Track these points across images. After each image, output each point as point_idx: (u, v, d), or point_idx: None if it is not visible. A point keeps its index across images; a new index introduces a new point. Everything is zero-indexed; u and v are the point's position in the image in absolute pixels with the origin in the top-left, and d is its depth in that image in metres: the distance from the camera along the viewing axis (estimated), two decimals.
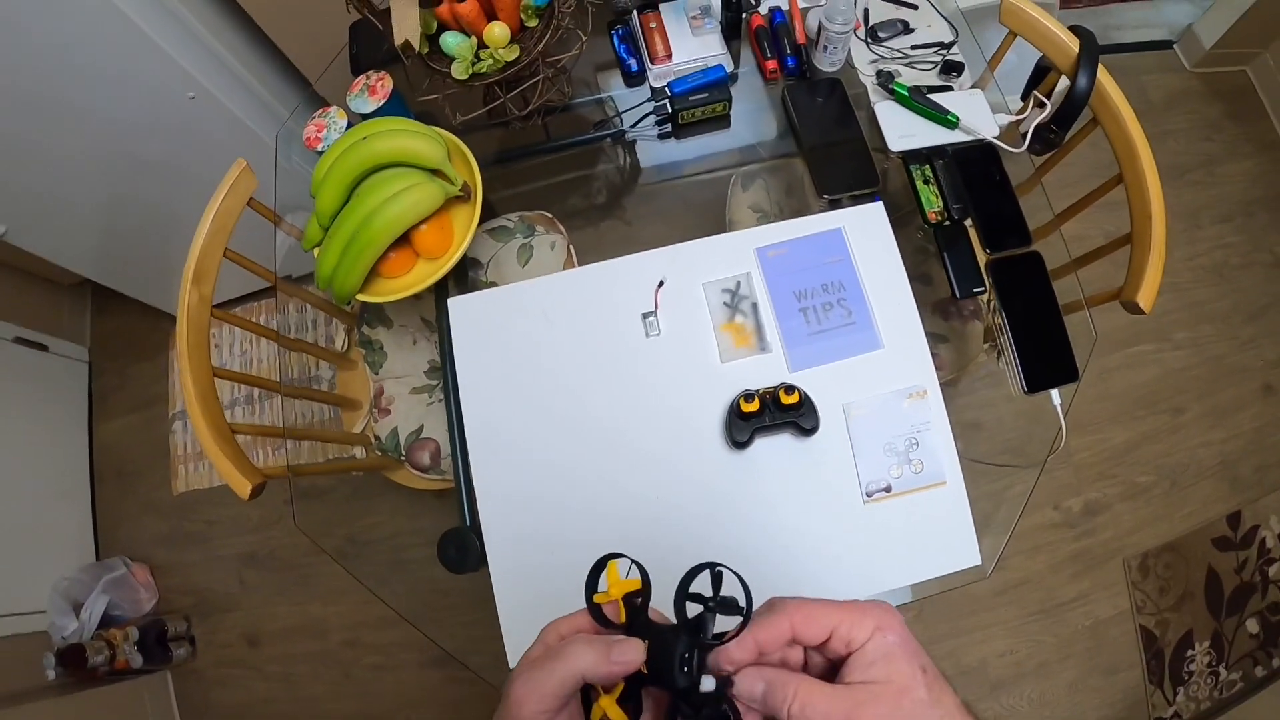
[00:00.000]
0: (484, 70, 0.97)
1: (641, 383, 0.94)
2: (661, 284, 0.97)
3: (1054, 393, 0.97)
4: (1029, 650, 1.66)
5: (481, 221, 1.29)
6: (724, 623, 0.41)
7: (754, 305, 0.94)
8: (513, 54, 0.96)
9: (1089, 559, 1.71)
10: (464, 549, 0.97)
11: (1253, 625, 1.69)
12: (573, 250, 1.26)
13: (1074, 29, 1.05)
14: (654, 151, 1.24)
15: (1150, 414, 1.78)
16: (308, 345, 1.29)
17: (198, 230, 1.16)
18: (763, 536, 0.89)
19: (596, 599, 0.44)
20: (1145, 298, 0.98)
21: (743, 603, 0.41)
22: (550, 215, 1.29)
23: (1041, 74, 1.13)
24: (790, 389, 0.86)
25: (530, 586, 0.89)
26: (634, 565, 0.45)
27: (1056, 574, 1.70)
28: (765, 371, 0.92)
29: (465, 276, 1.26)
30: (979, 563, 0.91)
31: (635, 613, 0.43)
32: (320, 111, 1.14)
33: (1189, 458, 1.76)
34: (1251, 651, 1.68)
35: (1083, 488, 1.74)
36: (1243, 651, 1.68)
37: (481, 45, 0.98)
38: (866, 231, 0.96)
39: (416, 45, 0.95)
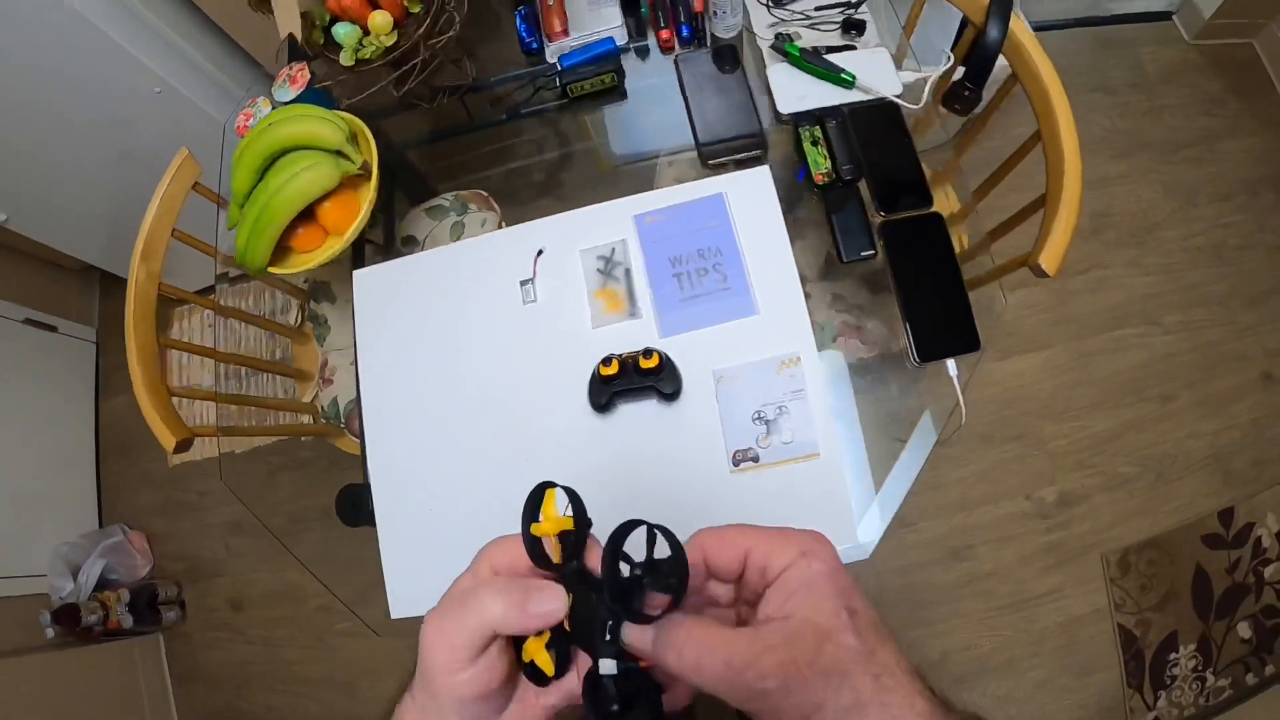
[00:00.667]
0: (368, 56, 0.97)
1: (517, 348, 0.92)
2: (541, 253, 0.94)
3: (950, 363, 0.89)
4: (994, 645, 1.55)
5: (419, 200, 1.30)
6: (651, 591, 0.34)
7: (627, 271, 0.91)
8: (391, 39, 0.96)
9: (1063, 552, 1.59)
10: (357, 505, 0.99)
11: (1244, 629, 1.54)
12: (504, 227, 1.24)
13: None
14: (600, 132, 1.21)
15: (1136, 401, 1.65)
16: (250, 315, 1.31)
17: (146, 213, 1.20)
18: (628, 502, 0.85)
19: (534, 530, 0.37)
20: (1048, 259, 0.89)
21: (673, 573, 0.33)
22: (485, 194, 1.28)
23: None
24: (649, 353, 0.82)
25: (412, 541, 0.90)
26: (570, 502, 0.37)
27: (1027, 567, 1.59)
28: (635, 337, 0.89)
29: (401, 254, 1.26)
30: (858, 542, 0.85)
31: (570, 555, 0.36)
32: (250, 101, 1.16)
33: (1178, 449, 1.62)
34: (1243, 657, 1.53)
35: (1058, 477, 1.62)
36: (1233, 657, 1.53)
37: (369, 33, 0.98)
38: (750, 197, 0.91)
39: (299, 37, 0.96)
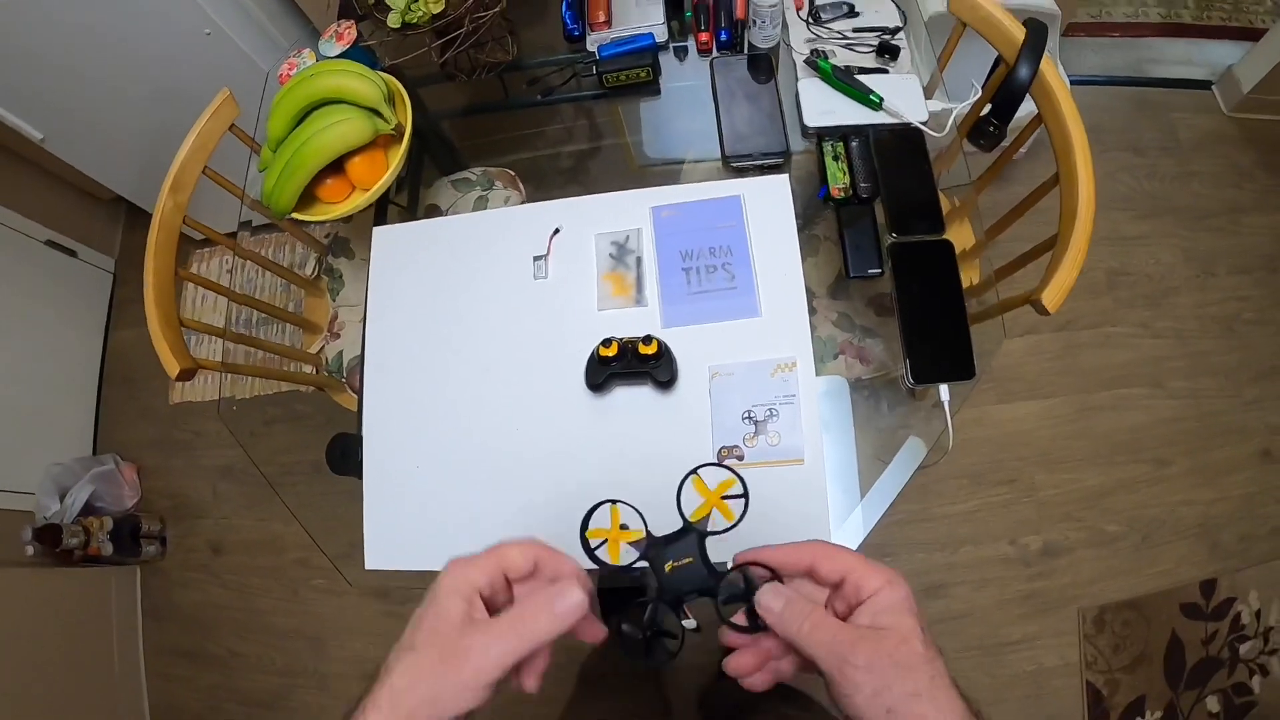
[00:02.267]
0: (415, 20, 1.00)
1: (522, 321, 0.94)
2: (557, 231, 0.97)
3: (943, 389, 0.91)
4: (961, 686, 1.55)
5: (448, 172, 1.33)
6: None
7: (638, 259, 0.93)
8: (439, 6, 0.99)
9: (1041, 602, 1.60)
10: (347, 453, 1.01)
11: (1213, 703, 1.54)
12: None
13: (1026, 22, 0.99)
14: (633, 129, 1.23)
15: (1131, 461, 1.66)
16: (267, 261, 1.34)
17: (181, 146, 1.24)
18: (611, 481, 0.87)
19: (593, 534, 0.47)
20: (1050, 297, 0.91)
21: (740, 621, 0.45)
22: (513, 173, 1.30)
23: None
24: (649, 339, 0.85)
25: (396, 496, 0.92)
26: (638, 515, 0.48)
27: (1003, 611, 1.59)
28: (638, 323, 0.91)
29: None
30: None
31: (645, 559, 0.47)
32: (295, 52, 1.20)
33: (1167, 514, 1.62)
34: None
35: (1044, 526, 1.63)
36: None
37: None
38: (766, 202, 0.94)
39: None
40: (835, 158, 0.94)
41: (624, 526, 0.47)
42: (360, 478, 0.95)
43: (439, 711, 0.40)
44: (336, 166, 1.05)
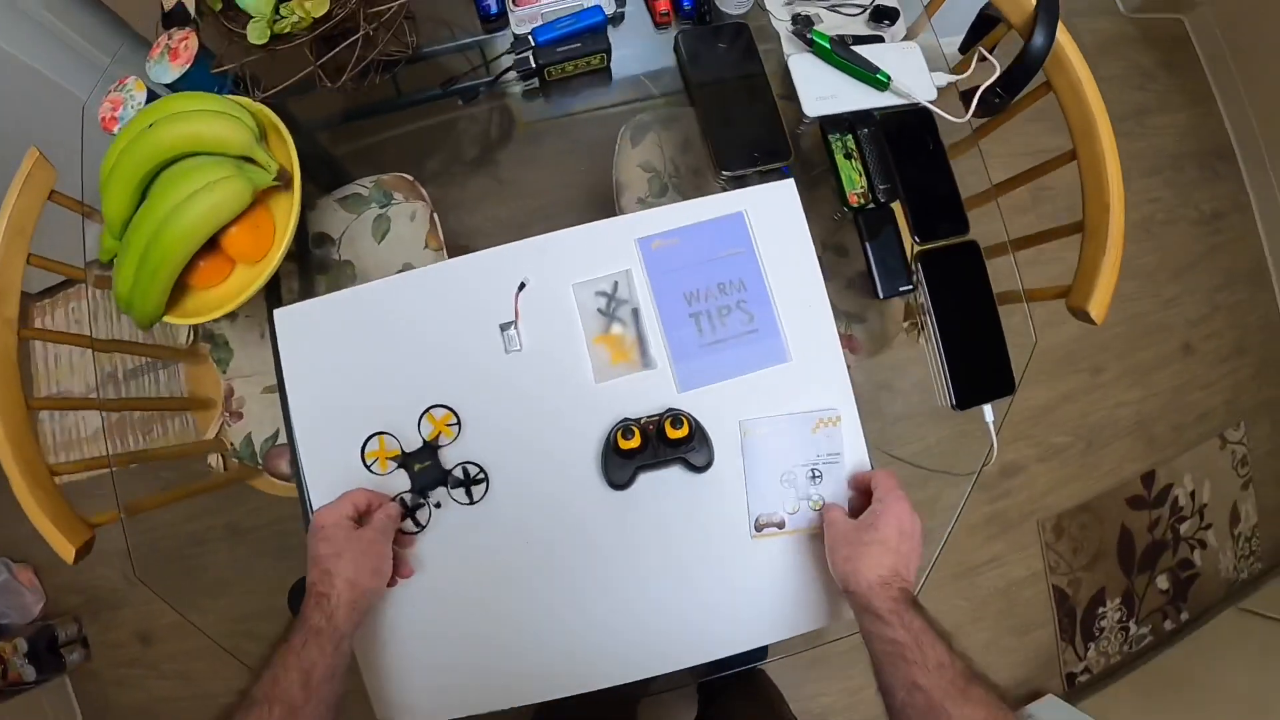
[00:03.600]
0: (287, 30, 0.69)
1: (501, 408, 0.71)
2: (523, 287, 0.73)
3: (987, 408, 0.77)
4: (942, 612, 1.49)
5: (333, 188, 1.03)
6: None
7: (635, 311, 0.72)
8: (322, 8, 0.68)
9: (1003, 521, 1.58)
10: None
11: (1163, 581, 1.60)
12: (436, 219, 1.00)
13: None
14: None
15: (1070, 373, 1.63)
16: (136, 345, 1.02)
17: None
18: (640, 579, 0.70)
19: (369, 455, 0.69)
20: (1098, 306, 0.79)
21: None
22: (410, 178, 1.02)
23: (985, 25, 0.89)
24: (678, 420, 0.65)
25: (392, 634, 0.70)
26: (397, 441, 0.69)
27: (970, 537, 1.57)
28: (649, 392, 0.70)
29: (313, 256, 0.99)
30: None
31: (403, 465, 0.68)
32: (116, 84, 0.86)
33: (1106, 417, 1.62)
34: (1161, 606, 1.59)
35: (1000, 449, 1.58)
36: (1152, 607, 1.59)
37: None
38: (774, 215, 0.73)
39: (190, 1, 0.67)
40: (847, 155, 0.75)
41: (390, 449, 0.68)
42: None
43: (382, 578, 0.63)
44: (210, 242, 0.75)
